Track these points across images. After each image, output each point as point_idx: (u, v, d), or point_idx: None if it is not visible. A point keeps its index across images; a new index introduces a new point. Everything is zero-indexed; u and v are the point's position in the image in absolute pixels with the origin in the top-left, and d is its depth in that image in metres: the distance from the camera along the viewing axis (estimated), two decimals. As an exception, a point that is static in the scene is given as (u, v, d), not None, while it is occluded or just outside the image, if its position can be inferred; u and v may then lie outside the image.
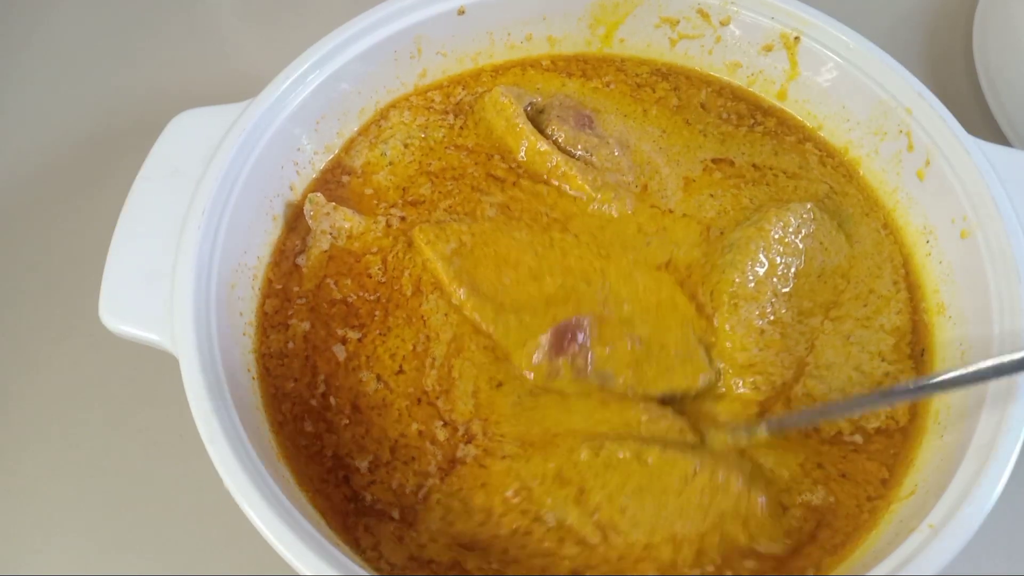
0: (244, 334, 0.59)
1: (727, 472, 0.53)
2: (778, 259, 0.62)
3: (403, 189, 0.67)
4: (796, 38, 0.70)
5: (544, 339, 0.57)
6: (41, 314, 0.71)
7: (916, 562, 0.46)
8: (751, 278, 0.61)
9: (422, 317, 0.61)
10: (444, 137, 0.70)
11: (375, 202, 0.67)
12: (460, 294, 0.60)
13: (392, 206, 0.66)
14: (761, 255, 0.62)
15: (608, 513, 0.52)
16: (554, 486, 0.53)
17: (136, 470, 0.64)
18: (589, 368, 0.57)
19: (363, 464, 0.56)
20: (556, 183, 0.67)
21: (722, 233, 0.65)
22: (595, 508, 0.52)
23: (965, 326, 0.60)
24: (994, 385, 0.53)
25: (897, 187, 0.68)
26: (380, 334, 0.60)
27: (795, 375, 0.59)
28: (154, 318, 0.53)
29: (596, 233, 0.64)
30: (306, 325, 0.61)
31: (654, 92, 0.74)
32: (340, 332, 0.61)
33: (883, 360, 0.60)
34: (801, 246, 0.63)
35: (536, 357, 0.57)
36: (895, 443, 0.57)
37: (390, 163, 0.69)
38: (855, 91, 0.69)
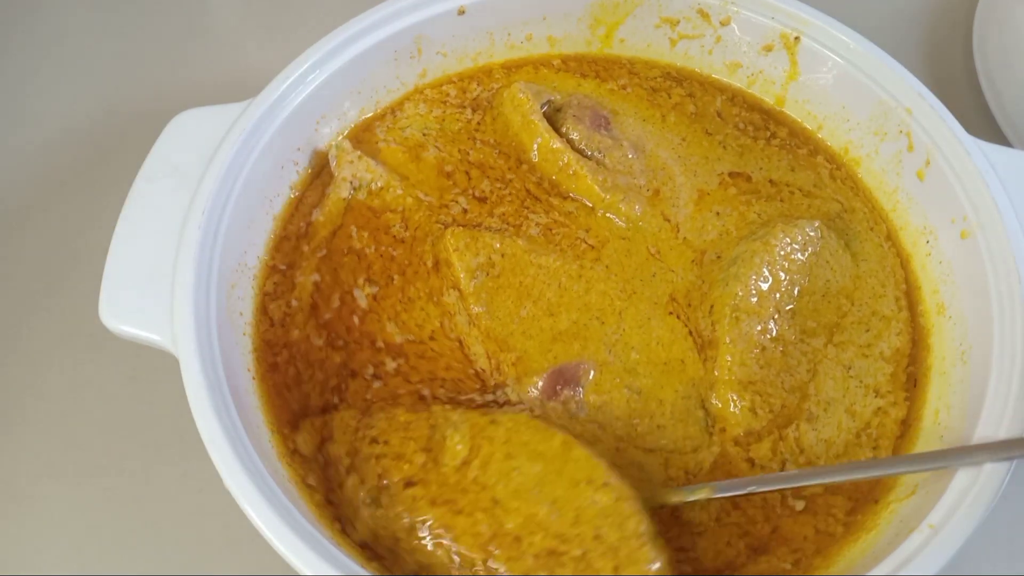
0: (244, 334, 0.59)
1: (634, 509, 0.49)
2: (782, 275, 0.61)
3: (468, 175, 0.68)
4: (796, 38, 0.70)
5: (540, 381, 0.57)
6: (41, 314, 0.71)
7: (916, 562, 0.46)
8: (754, 292, 0.60)
9: (446, 309, 0.61)
10: (461, 129, 0.71)
11: (448, 181, 0.67)
12: (474, 309, 0.60)
13: (461, 193, 0.67)
14: (765, 269, 0.61)
15: (492, 449, 0.50)
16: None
17: (136, 470, 0.64)
18: (582, 414, 0.57)
19: (391, 365, 0.58)
20: (569, 191, 0.67)
21: (719, 257, 0.64)
22: (490, 436, 0.51)
23: (965, 326, 0.60)
24: (994, 384, 0.54)
25: (897, 187, 0.68)
26: (401, 302, 0.61)
27: (798, 402, 0.58)
28: (154, 318, 0.53)
29: (624, 261, 0.64)
30: (315, 276, 0.62)
31: (670, 97, 0.74)
32: (357, 280, 0.61)
33: (876, 395, 0.59)
34: (807, 263, 0.62)
35: (532, 394, 0.57)
36: (870, 480, 0.56)
37: (435, 145, 0.69)
38: (855, 91, 0.69)
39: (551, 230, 0.65)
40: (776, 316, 0.60)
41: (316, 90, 0.65)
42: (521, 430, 0.52)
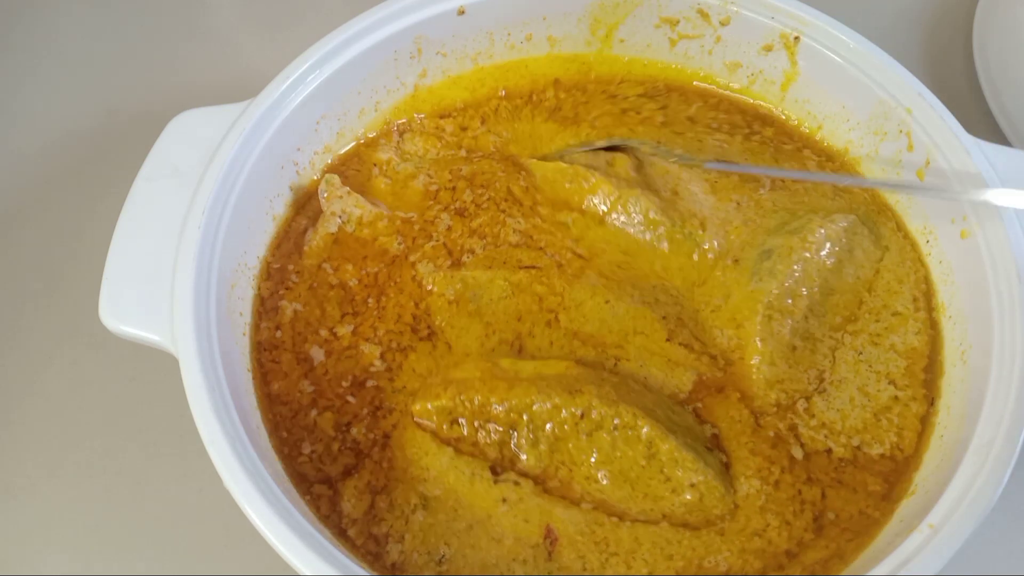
0: (244, 334, 0.59)
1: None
2: (815, 274, 0.61)
3: (453, 190, 0.68)
4: (796, 38, 0.70)
5: None
6: (41, 314, 0.71)
7: (916, 562, 0.46)
8: (788, 291, 0.60)
9: (447, 343, 0.61)
10: (454, 158, 0.71)
11: (430, 200, 0.67)
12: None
13: (444, 209, 0.67)
14: (800, 267, 0.61)
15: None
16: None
17: (136, 470, 0.64)
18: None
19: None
20: (579, 198, 0.67)
21: (736, 261, 0.64)
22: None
23: (965, 326, 0.60)
24: (994, 384, 0.54)
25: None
26: (400, 350, 0.60)
27: (815, 388, 0.59)
28: (154, 318, 0.53)
29: (610, 273, 0.63)
30: (298, 306, 0.62)
31: (639, 114, 0.74)
32: (337, 315, 0.62)
33: (891, 383, 0.59)
34: (840, 260, 0.62)
35: None
36: (899, 467, 0.57)
37: (428, 173, 0.69)
38: (855, 91, 0.69)
39: (532, 237, 0.65)
40: (808, 316, 0.60)
41: (316, 90, 0.65)
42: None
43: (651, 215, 0.65)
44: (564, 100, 0.75)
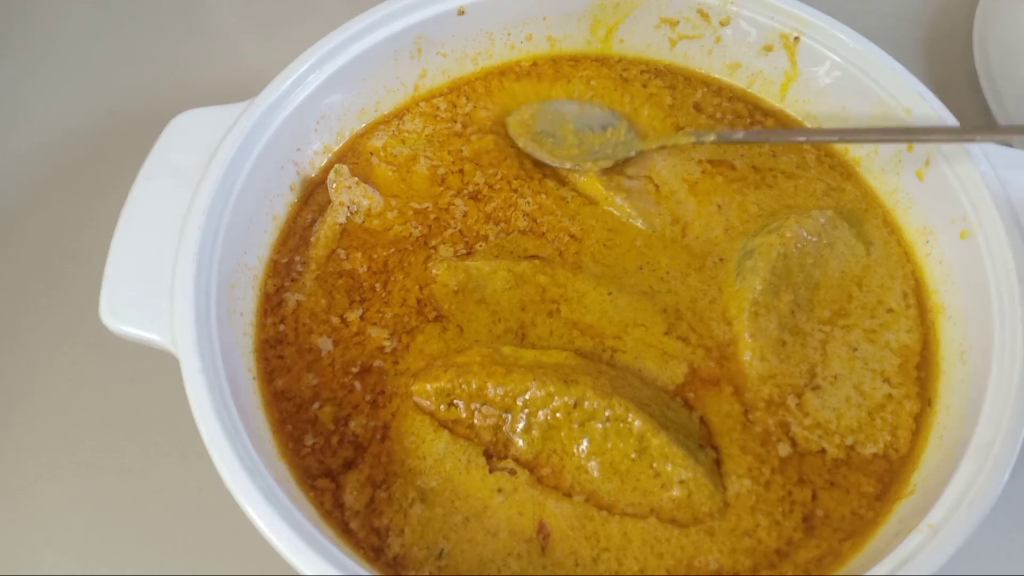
0: (244, 334, 0.59)
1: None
2: (798, 269, 0.62)
3: (461, 172, 0.68)
4: (796, 38, 0.70)
5: None
6: (41, 314, 0.71)
7: (916, 562, 0.46)
8: (772, 287, 0.61)
9: (459, 326, 0.61)
10: (453, 134, 0.71)
11: (440, 187, 0.68)
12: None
13: (457, 194, 0.67)
14: (782, 263, 0.61)
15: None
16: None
17: (136, 470, 0.64)
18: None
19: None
20: (572, 182, 0.68)
21: (721, 260, 0.64)
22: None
23: (965, 326, 0.60)
24: (994, 384, 0.54)
25: (897, 187, 0.68)
26: (407, 332, 0.61)
27: (806, 382, 0.59)
28: (154, 318, 0.53)
29: (601, 258, 0.64)
30: (301, 297, 0.62)
31: (646, 88, 0.74)
32: (346, 303, 0.62)
33: (886, 381, 0.59)
34: (823, 255, 0.63)
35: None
36: (894, 467, 0.57)
37: (426, 154, 0.69)
38: (855, 91, 0.69)
39: (536, 220, 0.66)
40: (795, 310, 0.61)
41: (316, 90, 0.65)
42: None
43: (636, 223, 0.66)
44: (543, 65, 0.76)
